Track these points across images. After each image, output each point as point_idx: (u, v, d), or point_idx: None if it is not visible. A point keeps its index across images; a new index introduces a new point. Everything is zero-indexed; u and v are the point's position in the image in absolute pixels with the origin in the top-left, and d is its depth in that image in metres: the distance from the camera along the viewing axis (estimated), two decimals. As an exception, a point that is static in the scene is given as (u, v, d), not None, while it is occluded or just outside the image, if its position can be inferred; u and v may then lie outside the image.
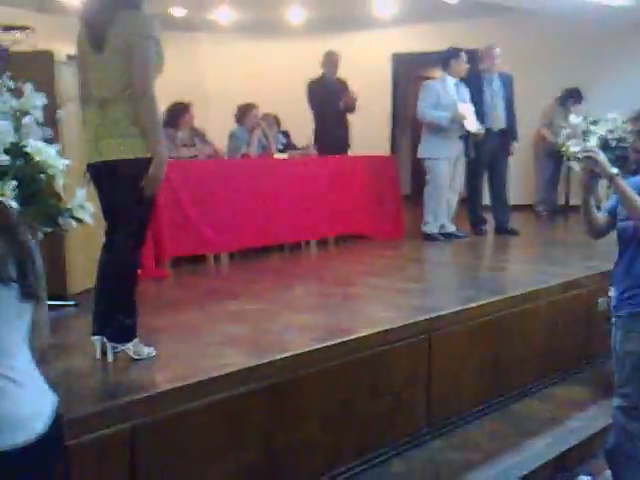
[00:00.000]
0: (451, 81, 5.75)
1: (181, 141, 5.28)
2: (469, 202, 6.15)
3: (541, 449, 3.15)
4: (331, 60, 6.51)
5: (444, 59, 5.82)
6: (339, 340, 2.87)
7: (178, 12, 8.58)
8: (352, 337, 2.92)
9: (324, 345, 2.82)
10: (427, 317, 3.24)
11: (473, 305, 3.48)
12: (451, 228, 5.89)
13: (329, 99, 6.37)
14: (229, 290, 4.03)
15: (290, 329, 3.09)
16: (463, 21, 8.33)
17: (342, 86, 6.53)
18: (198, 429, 2.33)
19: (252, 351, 2.75)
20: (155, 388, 2.33)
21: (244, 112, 5.79)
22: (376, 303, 3.63)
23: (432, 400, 3.22)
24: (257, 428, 2.52)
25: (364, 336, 2.95)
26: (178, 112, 5.28)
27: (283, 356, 2.67)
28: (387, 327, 3.06)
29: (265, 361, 2.60)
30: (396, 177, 6.17)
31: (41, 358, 1.64)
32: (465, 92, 5.80)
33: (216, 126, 5.96)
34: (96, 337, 2.60)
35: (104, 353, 2.60)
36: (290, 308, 3.50)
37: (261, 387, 2.54)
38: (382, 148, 8.46)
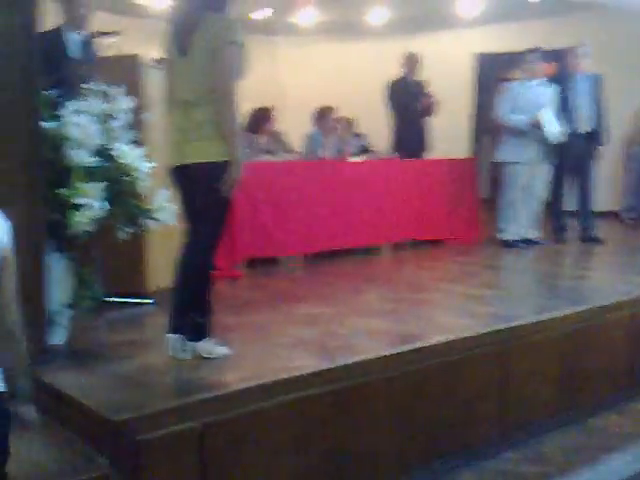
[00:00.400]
0: (533, 82, 5.56)
1: (260, 146, 5.36)
2: (551, 208, 5.93)
3: (619, 465, 2.99)
4: (411, 61, 6.45)
5: (523, 60, 5.64)
6: (411, 347, 2.84)
7: (260, 15, 8.75)
8: (424, 344, 2.87)
9: (395, 351, 2.79)
10: (503, 326, 3.15)
11: (551, 315, 3.35)
12: (530, 234, 5.70)
13: (408, 100, 6.32)
14: (301, 292, 4.05)
15: (360, 334, 3.07)
16: (549, 19, 8.05)
17: (421, 88, 6.46)
18: (267, 429, 2.36)
19: (322, 354, 2.76)
20: (226, 387, 2.37)
21: (322, 115, 5.82)
22: (450, 310, 3.56)
23: (506, 411, 3.13)
24: (325, 431, 2.52)
25: (437, 343, 2.90)
26: (260, 118, 5.36)
27: (353, 361, 2.66)
28: (461, 335, 2.99)
29: (335, 365, 2.60)
30: (475, 180, 6.03)
31: None
32: (550, 92, 5.58)
33: (294, 128, 6.02)
34: (170, 335, 2.68)
35: (178, 350, 2.67)
36: (361, 312, 3.48)
37: (330, 390, 2.54)
38: (463, 150, 8.29)
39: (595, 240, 5.77)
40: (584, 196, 5.84)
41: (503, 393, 3.11)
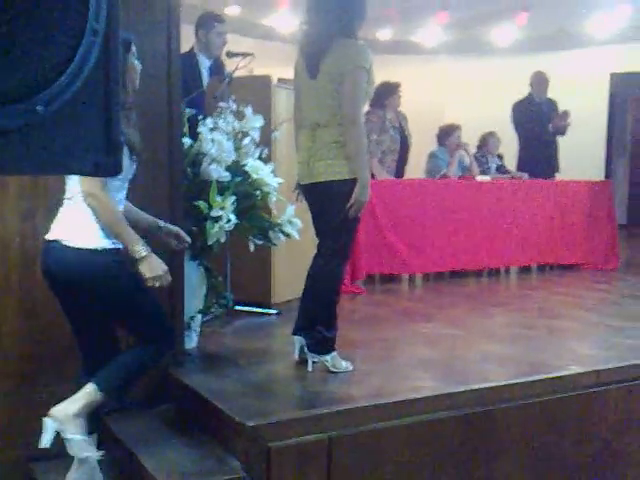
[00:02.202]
0: None
1: (388, 122, 5.21)
2: None
3: None
4: (539, 80, 6.22)
5: None
6: (543, 376, 2.68)
7: (384, 35, 8.82)
8: (558, 374, 2.70)
9: (526, 380, 2.64)
10: (646, 360, 2.90)
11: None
12: None
13: (536, 120, 6.07)
14: (423, 312, 3.96)
15: (489, 359, 2.94)
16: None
17: (552, 107, 6.20)
18: (392, 449, 2.31)
19: (449, 377, 2.67)
20: (351, 402, 2.35)
21: (447, 132, 5.72)
22: (586, 340, 3.34)
23: (649, 453, 2.86)
24: (451, 457, 2.43)
25: (572, 374, 2.72)
26: (383, 93, 5.11)
27: (481, 386, 2.55)
28: (599, 367, 2.79)
29: (463, 389, 2.50)
30: (612, 204, 5.68)
31: None
32: None
33: (420, 148, 5.95)
34: (297, 337, 2.69)
35: (301, 362, 2.69)
36: (488, 336, 3.34)
37: (456, 415, 2.45)
38: (595, 173, 7.86)
39: None
40: None
41: (646, 433, 2.86)
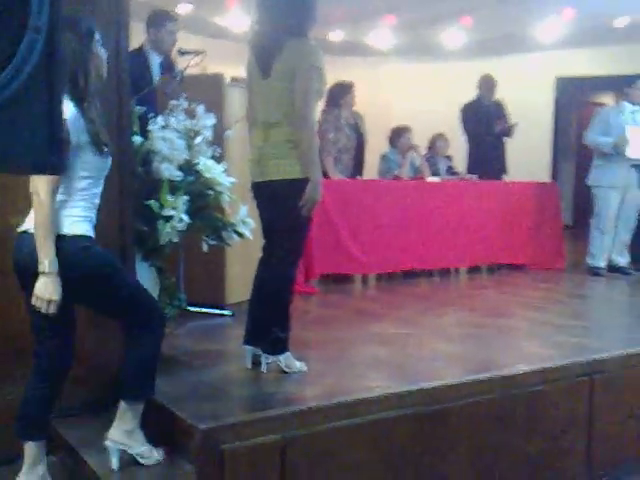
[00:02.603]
0: (628, 108, 5.39)
1: (343, 120, 5.22)
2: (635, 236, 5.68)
3: None
4: (487, 83, 6.37)
5: (618, 86, 5.55)
6: (492, 374, 2.73)
7: (336, 36, 8.86)
8: (507, 372, 2.76)
9: (476, 378, 2.69)
10: (591, 358, 2.99)
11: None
12: (620, 262, 5.48)
13: (484, 123, 6.22)
14: (376, 312, 4.00)
15: (440, 357, 2.99)
16: (632, 45, 7.81)
17: (499, 109, 6.36)
18: (346, 448, 2.32)
19: (401, 376, 2.70)
20: (305, 403, 2.35)
21: (397, 134, 5.79)
22: (533, 338, 3.42)
23: (593, 448, 2.96)
24: (403, 455, 2.46)
25: (520, 373, 2.78)
26: (337, 92, 5.15)
27: (433, 385, 2.58)
28: (546, 365, 2.86)
29: (414, 388, 2.54)
30: (558, 206, 5.86)
31: None
32: None
33: (370, 148, 6.01)
34: (248, 346, 2.69)
35: (255, 363, 2.68)
36: (439, 336, 3.40)
37: (408, 414, 2.48)
38: (541, 174, 8.09)
39: None
40: None
41: (590, 429, 2.96)
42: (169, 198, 3.01)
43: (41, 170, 0.92)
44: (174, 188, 3.13)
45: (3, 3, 0.85)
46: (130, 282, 2.17)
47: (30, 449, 2.08)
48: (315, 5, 2.62)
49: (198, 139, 3.32)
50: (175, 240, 2.89)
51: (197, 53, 3.57)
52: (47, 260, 1.92)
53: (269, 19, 2.59)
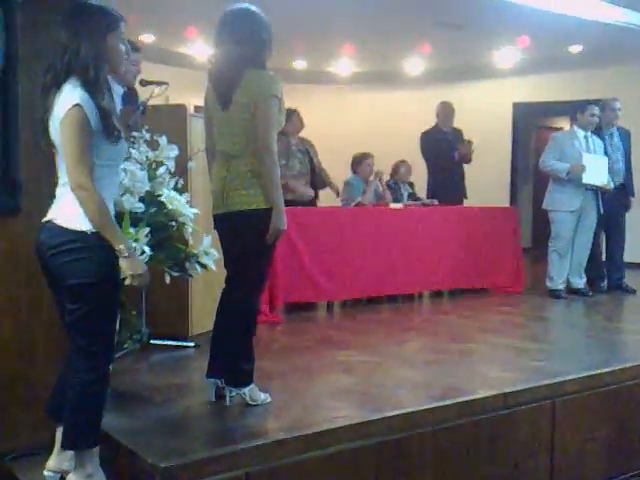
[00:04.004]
0: (581, 133, 5.57)
1: (293, 147, 5.29)
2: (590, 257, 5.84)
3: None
4: (444, 110, 6.50)
5: (572, 111, 5.74)
6: (455, 400, 2.76)
7: (300, 65, 8.98)
8: (469, 398, 2.80)
9: (440, 405, 2.72)
10: (551, 381, 3.05)
11: (603, 371, 3.24)
12: (578, 284, 5.63)
13: (443, 149, 6.34)
14: (341, 339, 4.01)
15: (403, 385, 3.01)
16: (586, 71, 8.10)
17: (457, 136, 6.49)
18: (310, 481, 2.31)
19: (365, 405, 2.70)
20: (269, 436, 2.34)
21: (359, 161, 5.86)
22: (495, 363, 3.47)
23: (555, 471, 3.01)
24: (368, 486, 2.46)
25: (482, 398, 2.82)
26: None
27: (396, 413, 2.60)
28: (507, 390, 2.91)
29: (378, 417, 2.55)
30: (517, 229, 5.98)
31: None
32: (599, 144, 5.61)
33: (334, 175, 6.07)
34: (211, 379, 2.67)
35: (219, 396, 2.66)
36: (403, 363, 3.43)
37: (373, 443, 2.48)
38: (501, 198, 8.26)
39: (627, 290, 5.80)
40: (616, 246, 5.87)
41: (551, 453, 3.00)
42: (131, 230, 3.00)
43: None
44: (136, 220, 3.11)
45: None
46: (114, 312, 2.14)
47: (60, 433, 2.11)
48: (271, 36, 2.64)
49: (161, 170, 3.32)
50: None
51: (160, 84, 3.57)
52: (122, 245, 1.99)
53: (227, 51, 2.61)
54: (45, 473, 2.13)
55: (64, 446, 2.06)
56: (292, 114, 5.31)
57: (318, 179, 5.68)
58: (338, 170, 6.07)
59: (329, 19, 6.72)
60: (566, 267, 5.57)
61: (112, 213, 2.07)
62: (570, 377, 3.12)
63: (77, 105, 1.93)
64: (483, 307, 5.13)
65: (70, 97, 1.95)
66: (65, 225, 1.99)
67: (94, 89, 1.99)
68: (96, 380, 2.02)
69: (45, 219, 2.07)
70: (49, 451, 2.19)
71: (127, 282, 2.03)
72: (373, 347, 3.78)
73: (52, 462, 2.15)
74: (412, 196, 6.18)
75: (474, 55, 8.37)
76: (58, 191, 2.09)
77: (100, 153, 2.01)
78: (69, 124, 1.93)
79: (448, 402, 2.74)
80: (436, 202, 5.99)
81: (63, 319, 2.09)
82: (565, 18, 6.57)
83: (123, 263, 1.99)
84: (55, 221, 2.02)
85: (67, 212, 2.00)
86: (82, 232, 1.97)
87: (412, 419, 2.61)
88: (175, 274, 3.31)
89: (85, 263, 1.96)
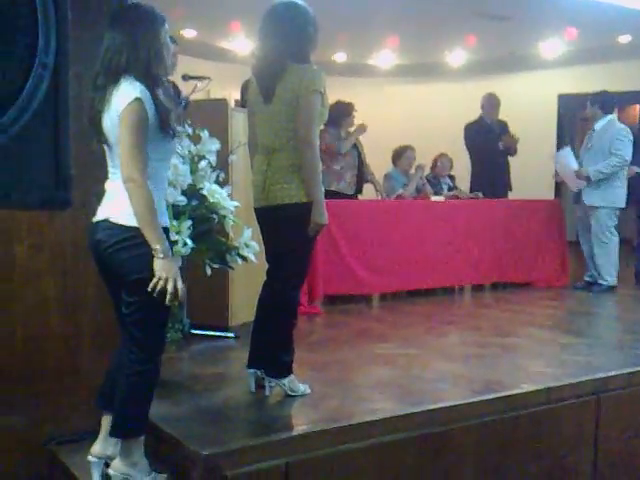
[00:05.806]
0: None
1: (344, 137, 5.30)
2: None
3: None
4: (490, 102, 6.40)
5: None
6: (498, 395, 2.73)
7: (340, 58, 8.97)
8: (512, 392, 2.76)
9: (480, 399, 2.69)
10: (596, 377, 2.99)
11: (646, 367, 3.16)
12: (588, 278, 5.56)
13: (488, 141, 6.24)
14: (380, 332, 4.00)
15: (444, 378, 2.99)
16: (634, 61, 7.85)
17: (502, 128, 6.39)
18: (349, 472, 2.31)
19: (405, 398, 2.69)
20: (309, 426, 2.35)
21: (399, 154, 5.83)
22: (538, 357, 3.41)
23: (600, 468, 2.94)
24: (407, 478, 2.45)
25: (525, 392, 2.78)
26: (341, 112, 5.23)
27: (437, 406, 2.58)
28: (551, 385, 2.86)
29: (418, 410, 2.54)
30: (562, 223, 5.86)
31: None
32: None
33: (374, 167, 6.04)
34: (251, 370, 2.70)
35: (259, 386, 2.69)
36: (443, 356, 3.40)
37: (411, 436, 2.47)
38: (546, 191, 8.10)
39: None
40: None
41: (596, 449, 2.94)
42: (173, 223, 3.05)
43: (49, 206, 0.96)
44: (178, 213, 3.17)
45: (12, 39, 0.89)
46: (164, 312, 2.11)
47: (107, 420, 2.16)
48: (317, 30, 2.65)
49: (202, 164, 3.37)
50: (179, 264, 2.91)
51: (202, 79, 3.61)
52: (159, 246, 1.94)
53: (271, 45, 2.61)
54: (89, 458, 2.19)
55: (113, 434, 2.10)
56: (350, 110, 5.37)
57: (364, 173, 5.69)
58: (378, 163, 6.04)
59: (374, 12, 6.69)
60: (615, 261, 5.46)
61: (164, 209, 2.09)
62: (614, 372, 3.05)
63: (137, 99, 1.95)
64: (526, 301, 5.05)
65: (130, 91, 1.97)
66: (122, 222, 2.00)
67: (153, 84, 2.02)
68: (149, 371, 2.06)
69: (99, 218, 2.06)
70: (93, 437, 2.25)
71: (154, 281, 1.95)
72: (413, 340, 3.76)
73: (97, 448, 2.20)
74: (452, 189, 6.11)
75: (519, 46, 8.22)
76: (109, 187, 2.10)
77: (154, 148, 2.02)
78: (128, 117, 1.95)
79: (490, 396, 2.70)
80: (480, 195, 5.92)
81: (118, 312, 2.12)
82: (613, 8, 6.39)
83: (157, 263, 1.95)
84: (111, 219, 2.01)
85: (123, 209, 1.99)
86: (139, 228, 1.98)
87: (453, 413, 2.59)
88: (216, 266, 3.36)
89: (145, 258, 1.96)
